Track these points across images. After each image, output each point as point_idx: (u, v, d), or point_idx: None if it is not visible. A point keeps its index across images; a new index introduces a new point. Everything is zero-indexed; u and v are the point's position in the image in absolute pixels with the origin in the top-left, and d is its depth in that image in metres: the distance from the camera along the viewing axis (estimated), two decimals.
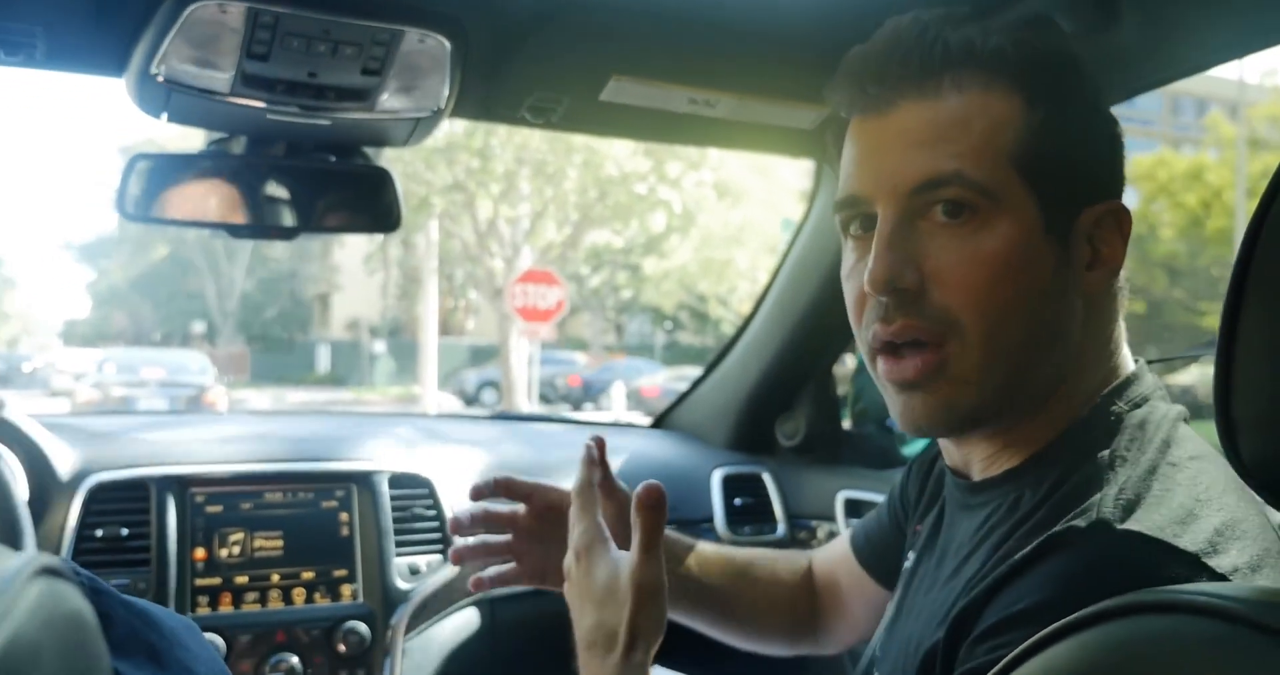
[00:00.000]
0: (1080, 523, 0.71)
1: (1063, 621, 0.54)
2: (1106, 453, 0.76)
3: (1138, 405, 0.81)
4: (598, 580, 0.87)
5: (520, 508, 1.14)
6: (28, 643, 0.35)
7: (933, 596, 0.85)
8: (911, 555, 1.00)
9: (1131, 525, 0.70)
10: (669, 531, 1.14)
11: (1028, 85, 0.78)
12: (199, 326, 32.60)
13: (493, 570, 1.13)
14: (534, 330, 14.46)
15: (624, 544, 0.89)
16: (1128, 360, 0.85)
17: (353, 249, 28.37)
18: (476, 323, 31.41)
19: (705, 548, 1.24)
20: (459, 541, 1.19)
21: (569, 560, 0.91)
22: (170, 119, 1.36)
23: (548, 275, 14.31)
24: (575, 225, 16.56)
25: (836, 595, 1.23)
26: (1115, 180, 0.83)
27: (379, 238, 24.58)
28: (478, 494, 1.12)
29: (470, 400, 22.30)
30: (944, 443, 0.90)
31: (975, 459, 0.87)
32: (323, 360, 31.17)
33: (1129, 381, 0.83)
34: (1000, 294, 0.77)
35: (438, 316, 28.48)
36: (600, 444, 0.99)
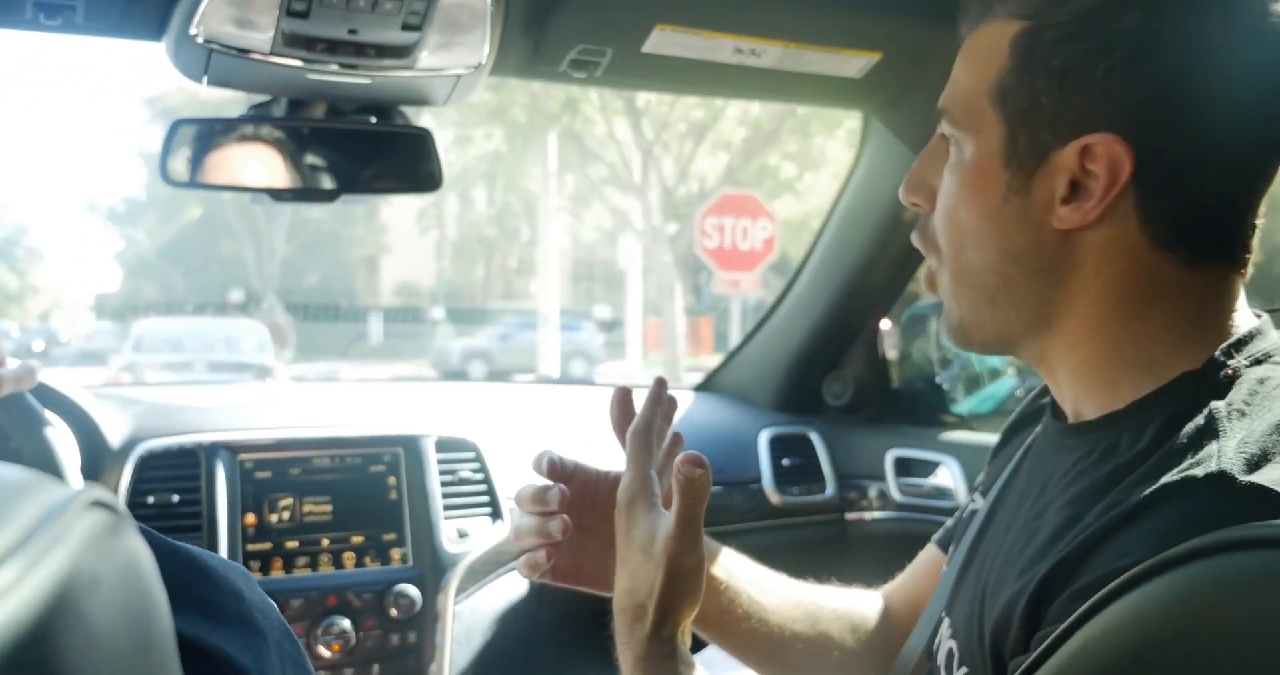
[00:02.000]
0: (1198, 472, 0.67)
1: (1151, 561, 0.51)
2: (1222, 403, 0.73)
3: (1259, 361, 0.77)
4: (635, 539, 0.83)
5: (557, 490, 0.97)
6: (87, 572, 0.34)
7: (1012, 541, 0.82)
8: (980, 498, 0.97)
9: (1257, 478, 0.66)
10: (732, 553, 1.06)
11: (1031, 12, 0.76)
12: (237, 295, 29.45)
13: (525, 558, 0.97)
14: (734, 282, 10.68)
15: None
16: (1246, 315, 0.81)
17: (401, 207, 25.88)
18: (554, 288, 28.00)
19: (765, 579, 1.09)
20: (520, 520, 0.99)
21: (619, 507, 0.86)
22: (210, 82, 1.34)
23: (751, 201, 10.41)
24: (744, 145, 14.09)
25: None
26: (1122, 115, 0.74)
27: (428, 196, 24.78)
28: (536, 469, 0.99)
29: (454, 376, 18.23)
30: (1047, 379, 0.89)
31: (1068, 399, 0.84)
32: (375, 330, 26.60)
33: (1249, 337, 0.78)
34: (955, 219, 0.81)
35: (490, 280, 26.79)
36: (663, 383, 0.93)
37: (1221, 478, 0.66)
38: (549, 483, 0.95)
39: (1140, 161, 0.73)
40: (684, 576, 0.80)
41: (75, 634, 0.32)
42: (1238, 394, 0.74)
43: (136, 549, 0.38)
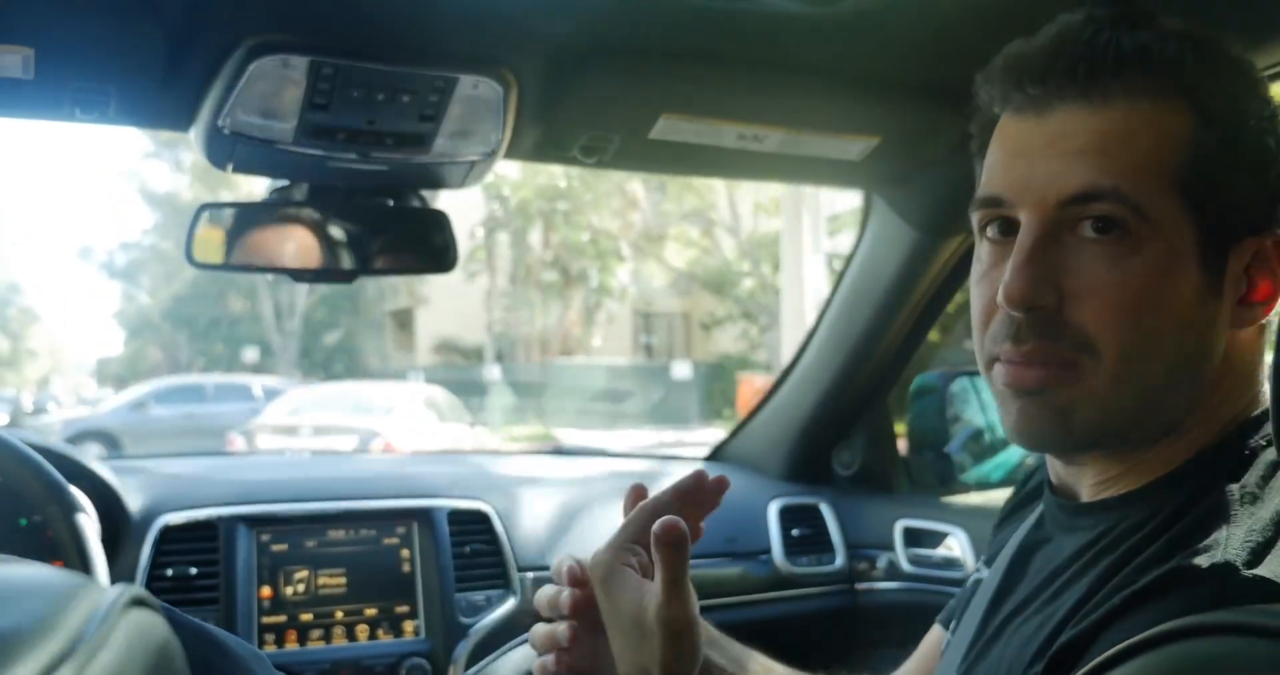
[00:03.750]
0: (1202, 561, 0.66)
1: (1124, 644, 0.53)
2: (1235, 487, 0.71)
3: (1272, 443, 0.75)
4: (622, 613, 0.83)
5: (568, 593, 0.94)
6: (128, 670, 0.37)
7: (1027, 621, 0.80)
8: (985, 570, 0.96)
9: (1260, 571, 0.65)
10: (743, 648, 1.03)
11: (1203, 100, 0.73)
12: (251, 354, 26.54)
13: (538, 663, 0.95)
14: None
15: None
16: (1263, 390, 0.80)
17: None
18: (605, 338, 23.39)
19: (778, 671, 1.07)
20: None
21: (592, 575, 0.86)
22: (235, 169, 1.40)
23: None
24: None
25: None
26: None
27: (479, 233, 21.16)
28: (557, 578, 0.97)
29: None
30: (1051, 459, 0.86)
31: (1086, 479, 0.83)
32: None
33: (1265, 416, 0.77)
34: (1143, 320, 0.73)
35: (560, 333, 22.24)
36: (700, 477, 0.90)
37: (1224, 568, 0.65)
38: (563, 588, 0.94)
39: None
40: (682, 638, 0.80)
41: None
42: (1251, 477, 0.72)
43: (169, 643, 0.42)
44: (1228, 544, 0.67)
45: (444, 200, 1.55)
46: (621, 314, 23.26)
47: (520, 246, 21.23)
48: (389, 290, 27.18)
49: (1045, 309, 0.74)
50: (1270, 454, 0.74)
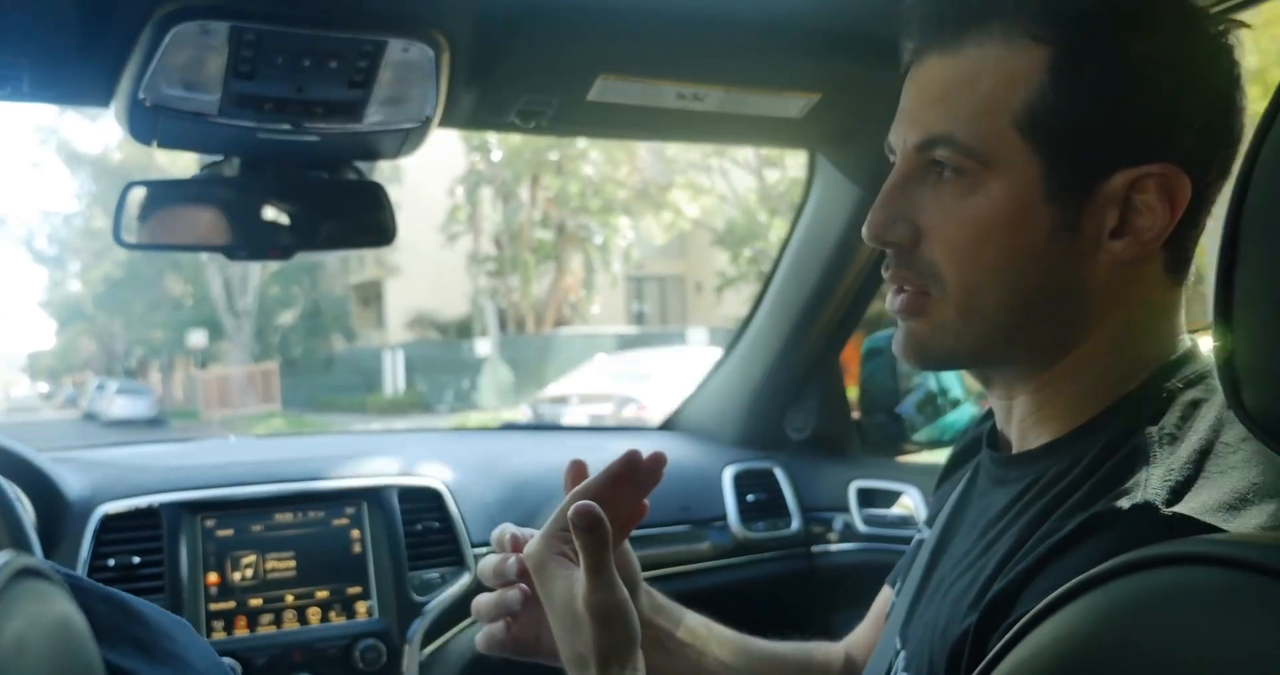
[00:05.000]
0: (1123, 503, 0.68)
1: (1070, 583, 0.53)
2: (1154, 430, 0.73)
3: (1191, 383, 0.77)
4: (555, 601, 0.82)
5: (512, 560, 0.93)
6: (13, 639, 0.35)
7: (961, 576, 0.82)
8: (927, 530, 0.97)
9: (1179, 508, 0.66)
10: (695, 615, 1.06)
11: (1056, 38, 0.74)
12: (198, 338, 23.12)
13: (483, 632, 0.94)
14: None
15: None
16: (1183, 335, 0.81)
17: (416, 212, 17.58)
18: (603, 307, 21.16)
19: (724, 634, 1.09)
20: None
21: (529, 565, 0.85)
22: (160, 144, 1.36)
23: None
24: None
25: None
26: (1175, 143, 0.74)
27: (459, 191, 18.71)
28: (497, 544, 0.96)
29: None
30: (994, 405, 0.88)
31: (1013, 427, 0.85)
32: (392, 375, 20.24)
33: (1184, 359, 0.78)
34: (982, 255, 0.77)
35: (555, 300, 19.36)
36: (579, 469, 0.91)
37: (1145, 509, 0.67)
38: (505, 555, 0.93)
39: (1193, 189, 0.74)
40: (611, 622, 0.79)
41: None
42: (1170, 418, 0.74)
43: (67, 613, 0.39)
44: (1147, 484, 0.69)
45: (418, 155, 1.48)
46: (612, 279, 20.91)
47: (511, 203, 18.80)
48: (354, 261, 24.21)
49: (899, 244, 0.81)
50: (1189, 395, 0.76)
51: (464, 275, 20.80)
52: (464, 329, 21.47)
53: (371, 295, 25.12)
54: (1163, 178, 0.74)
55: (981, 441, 0.93)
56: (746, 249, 17.01)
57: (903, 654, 0.88)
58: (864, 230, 0.82)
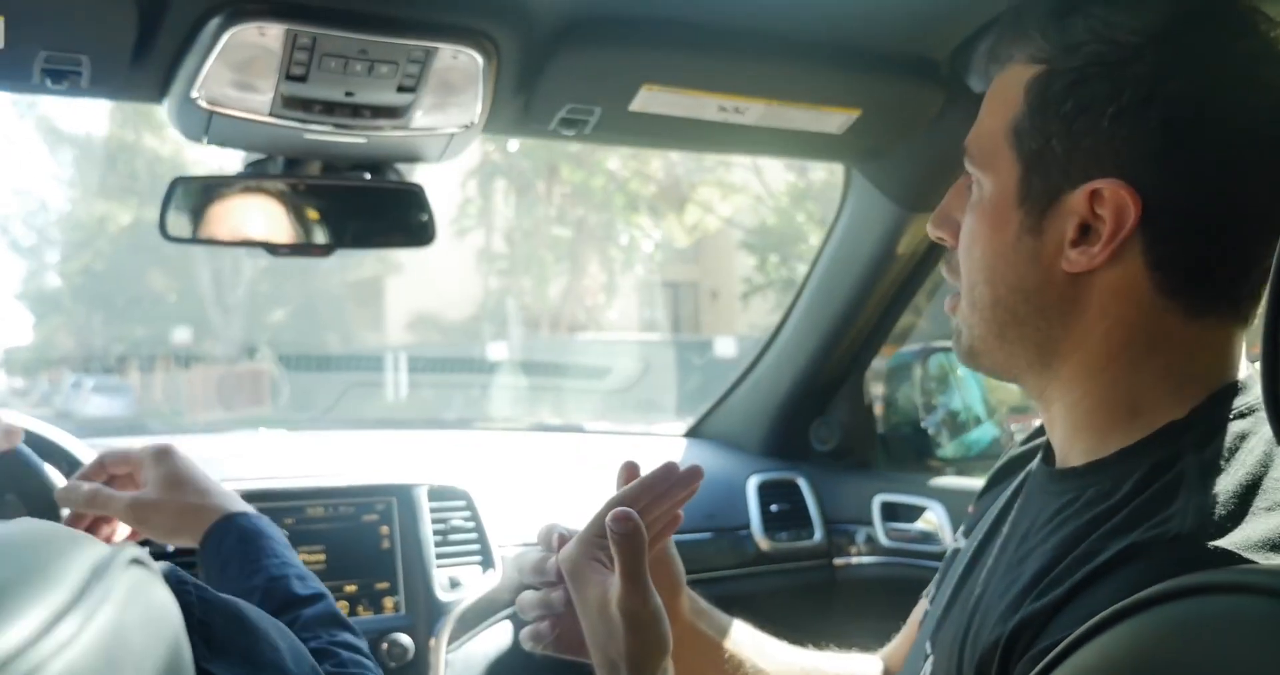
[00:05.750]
0: (1162, 532, 0.68)
1: (1120, 604, 0.52)
2: (1198, 459, 0.73)
3: (1243, 415, 0.76)
4: (589, 605, 0.84)
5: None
6: (127, 625, 0.37)
7: (995, 585, 0.82)
8: (963, 539, 0.98)
9: (1221, 542, 0.66)
10: (738, 623, 1.07)
11: (1046, 59, 0.79)
12: (183, 335, 21.12)
13: (528, 630, 0.95)
14: None
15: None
16: (1235, 366, 0.80)
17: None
18: (621, 313, 19.21)
19: (765, 642, 1.10)
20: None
21: (563, 570, 0.87)
22: (210, 142, 1.38)
23: None
24: None
25: None
26: (1130, 161, 0.75)
27: (470, 185, 16.31)
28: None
29: None
30: (1041, 416, 0.90)
31: (1057, 437, 0.86)
32: (394, 379, 16.67)
33: (1236, 388, 0.78)
34: (973, 252, 0.84)
35: (572, 304, 17.46)
36: (632, 469, 0.93)
37: (1186, 540, 0.67)
38: (549, 553, 0.94)
39: (1147, 207, 0.74)
40: (644, 628, 0.81)
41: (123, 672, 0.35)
42: (1215, 449, 0.73)
43: (165, 603, 0.41)
44: (1186, 515, 0.68)
45: None
46: (627, 283, 19.23)
47: (527, 197, 16.94)
48: (353, 260, 19.09)
49: (942, 239, 0.90)
50: (1237, 426, 0.75)
51: (473, 274, 18.68)
52: (471, 331, 19.15)
53: (370, 294, 22.50)
54: (1112, 194, 0.75)
55: (1034, 454, 0.94)
56: (774, 254, 15.77)
57: (930, 659, 0.88)
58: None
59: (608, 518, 0.80)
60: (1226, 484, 0.70)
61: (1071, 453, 0.83)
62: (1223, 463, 0.72)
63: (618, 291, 18.63)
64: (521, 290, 18.40)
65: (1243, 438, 0.74)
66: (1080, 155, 0.77)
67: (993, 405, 2.07)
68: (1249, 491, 0.70)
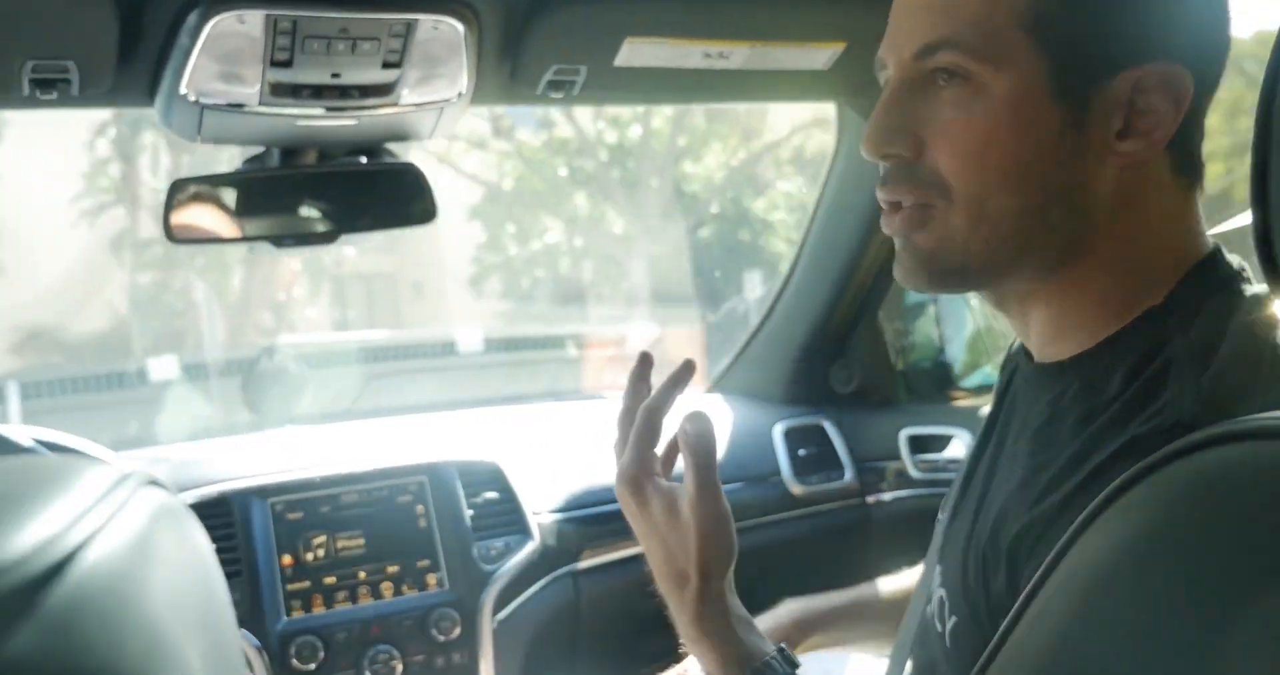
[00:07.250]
0: (1163, 421, 0.67)
1: (1137, 466, 0.52)
2: (1183, 344, 0.71)
3: (1219, 291, 0.74)
4: (654, 513, 0.85)
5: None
6: (157, 533, 0.37)
7: (995, 487, 0.80)
8: (970, 440, 0.98)
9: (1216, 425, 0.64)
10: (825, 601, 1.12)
11: None
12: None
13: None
14: None
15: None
16: (1204, 240, 0.78)
17: (18, 184, 10.38)
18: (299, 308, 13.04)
19: (865, 590, 1.17)
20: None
21: (620, 488, 0.88)
22: (204, 138, 1.39)
23: None
24: None
25: None
26: (1177, 41, 0.73)
27: (100, 145, 11.08)
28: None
29: None
30: (1010, 323, 0.86)
31: (1033, 338, 0.83)
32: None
33: (1208, 263, 0.76)
34: (991, 159, 0.74)
35: (260, 300, 11.50)
36: (690, 366, 0.92)
37: (1186, 427, 0.64)
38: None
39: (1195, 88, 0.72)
40: (716, 533, 0.82)
41: (157, 573, 0.36)
42: (1198, 332, 0.72)
43: (198, 536, 0.42)
44: (1183, 402, 0.68)
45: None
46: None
47: (192, 156, 10.36)
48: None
49: (900, 157, 0.77)
50: (1215, 305, 0.73)
51: (112, 270, 12.18)
52: (107, 348, 12.36)
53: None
54: (1166, 76, 0.72)
55: (1015, 355, 0.91)
56: (512, 225, 12.34)
57: (939, 569, 0.87)
58: (862, 145, 0.79)
59: (684, 418, 0.82)
60: (1219, 365, 0.69)
61: (1054, 349, 0.80)
62: (1210, 344, 0.71)
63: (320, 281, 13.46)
64: (184, 287, 12.31)
65: (1220, 316, 0.72)
66: (1124, 40, 0.72)
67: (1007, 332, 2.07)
68: (1245, 368, 0.69)
